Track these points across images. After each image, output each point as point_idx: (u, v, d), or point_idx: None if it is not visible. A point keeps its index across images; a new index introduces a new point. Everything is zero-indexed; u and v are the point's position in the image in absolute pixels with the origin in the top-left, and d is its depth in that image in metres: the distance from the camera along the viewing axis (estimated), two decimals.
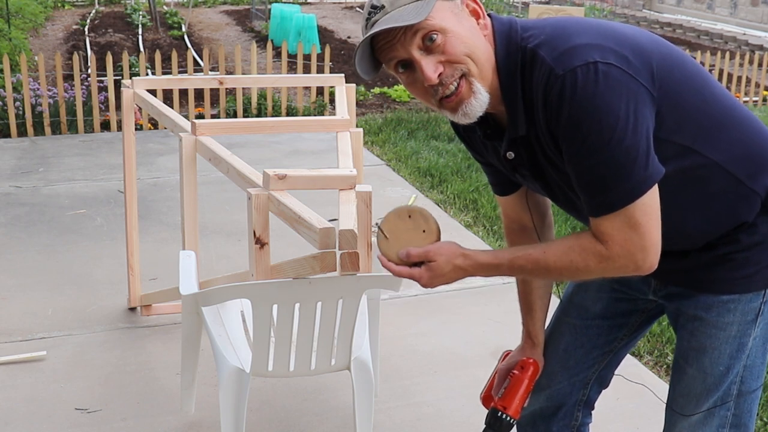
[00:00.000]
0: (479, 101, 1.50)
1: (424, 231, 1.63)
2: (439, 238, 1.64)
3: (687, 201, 1.58)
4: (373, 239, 1.71)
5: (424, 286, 1.61)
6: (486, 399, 1.98)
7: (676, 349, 1.76)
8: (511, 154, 1.61)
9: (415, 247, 1.60)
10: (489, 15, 1.57)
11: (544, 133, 1.50)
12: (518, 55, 1.50)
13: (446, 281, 1.60)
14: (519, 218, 1.89)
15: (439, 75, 1.48)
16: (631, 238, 1.47)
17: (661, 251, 1.60)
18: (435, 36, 1.46)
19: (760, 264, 1.62)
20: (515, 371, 1.90)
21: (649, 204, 1.47)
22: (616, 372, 2.01)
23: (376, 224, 1.66)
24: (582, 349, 1.90)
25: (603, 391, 2.01)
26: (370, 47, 1.50)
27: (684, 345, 1.72)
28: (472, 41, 1.49)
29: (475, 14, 1.53)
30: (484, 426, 1.90)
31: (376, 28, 1.46)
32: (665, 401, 1.83)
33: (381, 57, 1.52)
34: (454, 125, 1.72)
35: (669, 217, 1.52)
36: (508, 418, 1.86)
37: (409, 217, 1.63)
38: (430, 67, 1.47)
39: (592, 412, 2.02)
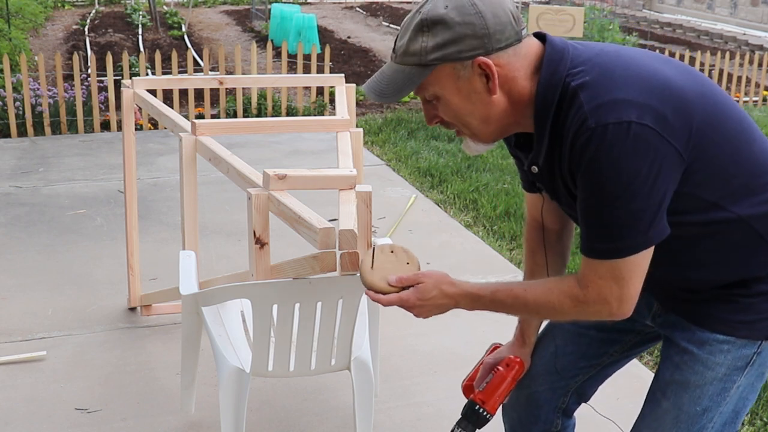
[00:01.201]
0: (478, 147, 1.62)
1: (408, 263, 1.70)
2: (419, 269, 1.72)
3: (704, 251, 1.57)
4: (357, 274, 1.78)
5: (412, 309, 1.64)
6: (466, 388, 1.99)
7: (654, 381, 1.73)
8: (534, 169, 1.62)
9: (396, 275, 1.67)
10: (544, 38, 1.54)
11: (564, 168, 1.52)
12: (559, 88, 1.49)
13: (433, 309, 1.64)
14: (540, 219, 1.89)
15: (436, 122, 1.61)
16: (611, 287, 1.50)
17: (672, 282, 1.66)
18: (430, 98, 1.56)
19: (762, 314, 1.60)
20: (500, 367, 1.91)
21: (638, 263, 1.49)
22: (617, 371, 2.00)
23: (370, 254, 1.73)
24: (571, 356, 1.89)
25: (600, 389, 1.99)
26: None
27: (666, 377, 1.68)
28: (466, 110, 1.54)
29: (485, 73, 1.49)
30: (459, 416, 1.91)
31: (367, 90, 1.57)
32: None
33: None
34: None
35: (683, 264, 1.54)
36: (485, 413, 1.88)
37: (392, 252, 1.71)
38: (428, 116, 1.60)
39: (573, 419, 2.01)
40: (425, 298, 1.62)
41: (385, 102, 1.56)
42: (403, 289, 1.65)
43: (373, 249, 1.72)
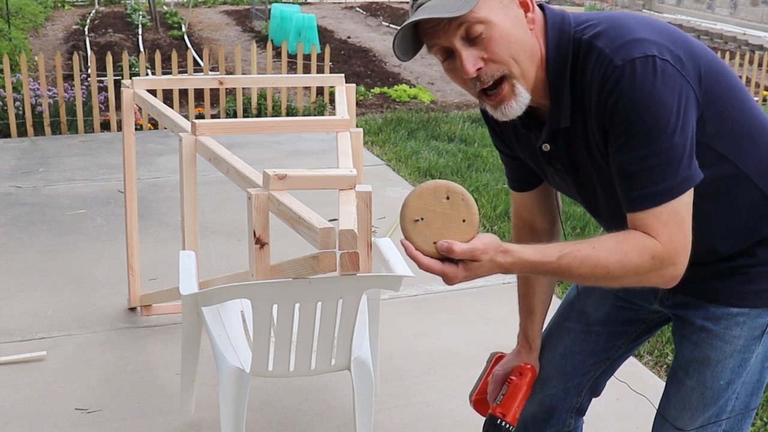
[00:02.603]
0: (519, 103, 1.49)
1: (464, 221, 1.37)
2: (477, 231, 1.39)
3: (714, 212, 1.57)
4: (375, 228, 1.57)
5: (450, 282, 1.41)
6: (478, 402, 1.95)
7: (675, 361, 1.74)
8: (547, 146, 1.58)
9: (451, 238, 1.37)
10: (540, 6, 1.54)
11: (593, 124, 1.48)
12: (570, 47, 1.49)
13: (471, 279, 1.43)
14: (531, 219, 1.87)
15: (478, 70, 1.45)
16: (677, 233, 1.44)
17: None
18: (479, 27, 1.43)
19: None
20: (513, 377, 1.87)
21: (689, 202, 1.45)
22: (620, 379, 2.00)
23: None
24: (580, 356, 1.88)
25: (603, 390, 2.00)
26: (413, 29, 1.48)
27: (686, 356, 1.69)
28: (517, 38, 1.46)
29: (525, 6, 1.49)
30: None
31: (420, 15, 1.43)
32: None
33: (424, 40, 1.50)
34: (484, 113, 1.69)
35: (694, 227, 1.50)
36: (507, 426, 1.84)
37: (447, 198, 1.38)
38: (470, 61, 1.45)
39: (584, 417, 2.00)
40: (475, 274, 1.41)
41: (445, 15, 1.41)
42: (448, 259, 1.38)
43: (424, 188, 1.38)
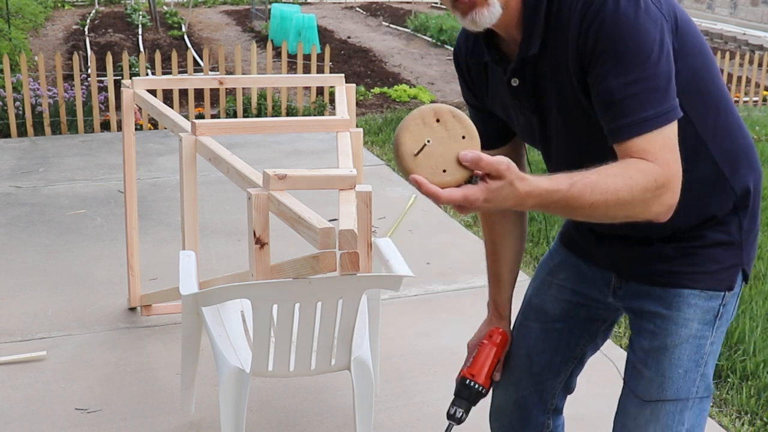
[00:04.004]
0: (491, 13, 1.47)
1: (463, 137, 1.28)
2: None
3: None
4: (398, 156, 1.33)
5: (467, 210, 1.30)
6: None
7: (631, 354, 1.71)
8: (515, 81, 1.57)
9: (454, 159, 1.28)
10: None
11: (569, 51, 1.47)
12: None
13: (489, 209, 1.32)
14: None
15: None
16: (673, 159, 1.40)
17: (624, 238, 1.64)
18: None
19: (722, 264, 1.62)
20: (483, 341, 1.87)
21: (676, 134, 1.42)
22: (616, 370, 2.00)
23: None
24: (545, 355, 1.86)
25: (585, 386, 1.98)
26: None
27: (644, 346, 1.67)
28: None
29: None
30: (453, 397, 1.86)
31: None
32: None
33: None
34: (457, 61, 1.73)
35: None
36: (477, 386, 1.82)
37: (438, 121, 1.27)
38: None
39: (563, 413, 1.99)
40: (494, 198, 1.28)
41: None
42: (469, 179, 1.27)
43: (410, 120, 1.28)
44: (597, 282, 1.77)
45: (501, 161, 1.26)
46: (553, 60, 1.51)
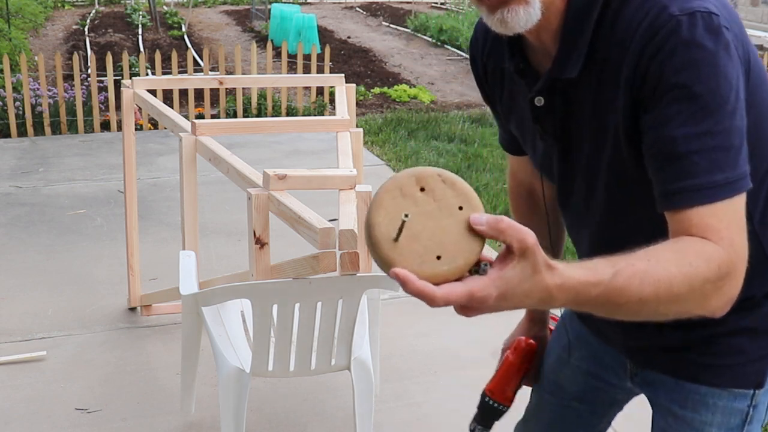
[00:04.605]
0: (528, 15, 1.15)
1: (461, 208, 0.94)
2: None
3: None
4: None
5: (472, 312, 0.94)
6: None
7: None
8: (540, 100, 1.25)
9: (459, 241, 0.93)
10: None
11: (619, 83, 1.15)
12: None
13: (503, 308, 0.95)
14: (529, 181, 1.58)
15: None
16: (740, 239, 1.08)
17: (637, 321, 1.17)
18: None
19: (749, 355, 1.30)
20: (508, 353, 1.73)
21: (744, 209, 1.11)
22: None
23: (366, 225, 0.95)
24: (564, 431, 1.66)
25: None
26: None
27: None
28: None
29: None
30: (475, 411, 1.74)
31: None
32: None
33: None
34: (473, 55, 1.42)
35: None
36: (496, 404, 1.68)
37: (422, 190, 0.93)
38: None
39: None
40: (512, 292, 0.93)
41: None
42: (472, 268, 0.93)
43: (384, 193, 0.93)
44: (614, 366, 1.50)
45: (528, 232, 0.92)
46: (596, 88, 1.19)
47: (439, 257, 0.91)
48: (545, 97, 1.25)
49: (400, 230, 0.90)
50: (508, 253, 0.93)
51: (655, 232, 1.10)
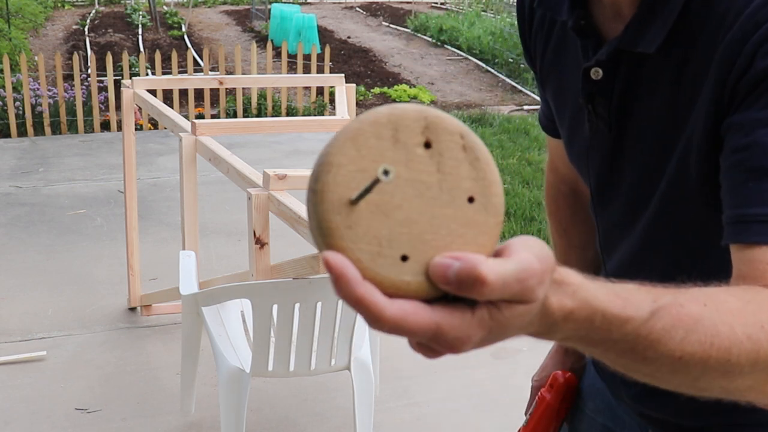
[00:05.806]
0: None
1: (470, 200, 0.57)
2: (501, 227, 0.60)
3: None
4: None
5: (433, 356, 0.62)
6: None
7: None
8: (598, 73, 0.94)
9: (453, 248, 0.55)
10: None
11: (713, 69, 0.84)
12: None
13: (497, 339, 0.59)
14: (572, 176, 1.25)
15: None
16: None
17: (650, 388, 0.77)
18: None
19: None
20: (543, 391, 1.47)
21: None
22: None
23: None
24: None
25: None
26: None
27: None
28: None
29: None
30: None
31: None
32: None
33: None
34: (521, 3, 1.11)
35: None
36: None
37: (427, 146, 0.55)
38: None
39: None
40: (503, 330, 0.57)
41: None
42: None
43: (366, 123, 0.54)
44: (631, 424, 1.22)
45: (529, 266, 0.56)
46: (676, 73, 0.89)
47: (405, 258, 0.54)
48: (605, 70, 0.94)
49: (366, 191, 0.53)
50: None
51: (718, 267, 0.81)
